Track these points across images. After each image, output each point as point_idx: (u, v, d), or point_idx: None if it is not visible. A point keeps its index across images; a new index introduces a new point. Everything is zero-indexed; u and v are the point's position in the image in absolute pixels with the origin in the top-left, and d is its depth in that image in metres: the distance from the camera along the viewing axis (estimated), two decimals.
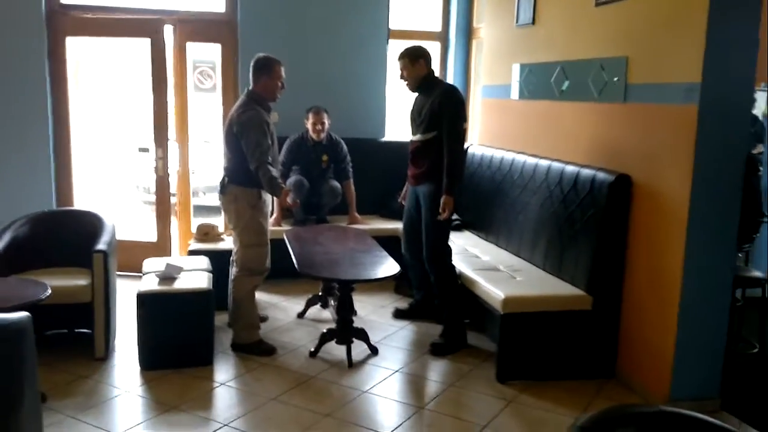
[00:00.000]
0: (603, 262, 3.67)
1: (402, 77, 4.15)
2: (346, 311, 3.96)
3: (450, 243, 4.19)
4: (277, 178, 3.78)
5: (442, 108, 3.96)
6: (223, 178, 4.01)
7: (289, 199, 3.79)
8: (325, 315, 4.65)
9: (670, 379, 3.35)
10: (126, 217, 6.11)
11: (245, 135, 3.78)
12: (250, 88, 3.97)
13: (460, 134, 4.01)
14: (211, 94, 6.70)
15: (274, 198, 4.08)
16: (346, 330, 3.96)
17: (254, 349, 3.99)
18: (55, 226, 4.23)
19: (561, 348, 3.73)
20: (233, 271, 4.06)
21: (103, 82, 5.72)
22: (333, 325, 4.05)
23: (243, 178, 3.86)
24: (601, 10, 3.94)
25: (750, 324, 4.22)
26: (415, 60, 4.06)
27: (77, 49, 5.65)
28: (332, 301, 4.35)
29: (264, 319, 4.49)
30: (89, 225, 4.17)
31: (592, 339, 3.73)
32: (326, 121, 5.39)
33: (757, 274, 4.01)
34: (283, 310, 4.80)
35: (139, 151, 5.72)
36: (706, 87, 3.17)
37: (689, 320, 3.31)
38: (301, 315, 4.68)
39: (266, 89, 3.95)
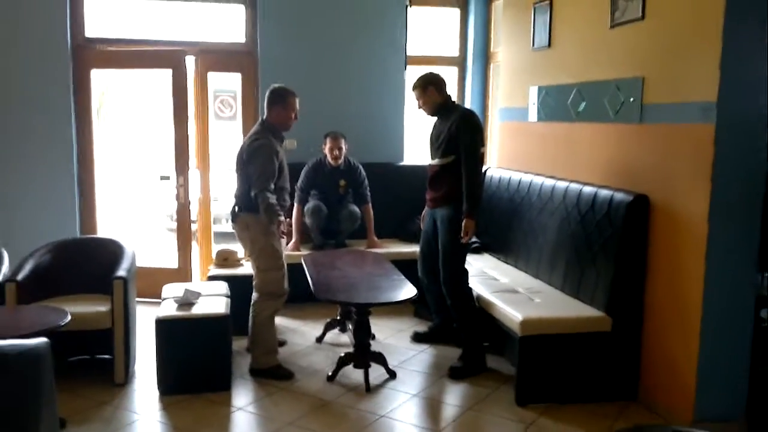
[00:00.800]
0: (622, 283, 3.62)
1: (419, 107, 4.24)
2: (363, 335, 3.94)
3: (467, 265, 4.17)
4: (275, 206, 3.80)
5: (459, 132, 3.99)
6: (234, 207, 4.05)
7: (283, 228, 3.85)
8: (343, 339, 4.64)
9: (693, 401, 3.28)
10: (149, 244, 6.18)
11: (252, 162, 3.85)
12: (264, 117, 4.06)
13: (478, 158, 4.02)
14: (231, 122, 6.80)
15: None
16: (363, 354, 3.94)
17: (273, 373, 3.99)
18: (77, 253, 4.29)
19: (581, 370, 3.67)
20: (254, 296, 4.08)
21: (126, 112, 5.83)
22: (351, 349, 4.03)
23: (253, 205, 3.88)
24: (615, 32, 3.94)
25: None
26: (425, 88, 4.14)
27: (101, 79, 5.78)
28: (350, 325, 4.34)
29: (282, 343, 4.49)
30: (110, 252, 4.22)
31: (613, 360, 3.67)
32: (344, 146, 5.43)
33: None
34: (301, 335, 4.79)
35: (160, 179, 5.80)
36: (722, 106, 3.14)
37: (711, 341, 3.25)
38: (319, 339, 4.66)
39: (279, 119, 4.01)
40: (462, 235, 3.94)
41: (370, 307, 3.89)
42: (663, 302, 3.52)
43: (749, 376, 3.36)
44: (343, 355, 4.02)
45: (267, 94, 4.06)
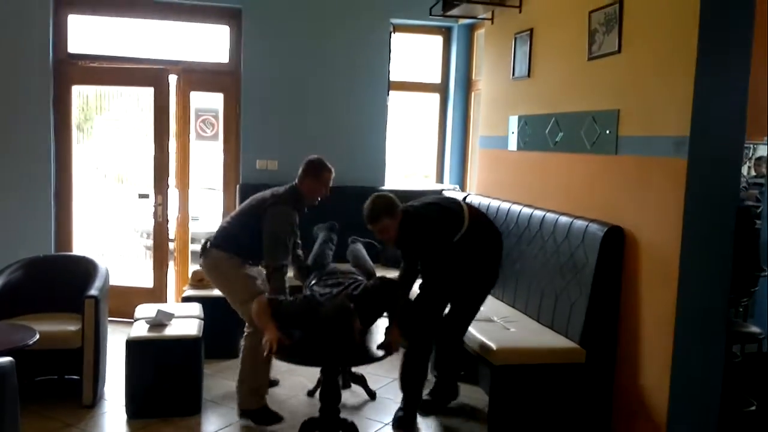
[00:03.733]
0: (596, 315, 3.63)
1: (382, 239, 3.68)
2: (329, 399, 3.36)
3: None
4: (285, 288, 3.61)
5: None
6: (206, 242, 3.83)
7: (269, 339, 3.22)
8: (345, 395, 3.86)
9: None
10: (125, 263, 6.12)
11: (271, 226, 3.64)
12: (295, 183, 3.85)
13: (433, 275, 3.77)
14: (213, 142, 6.79)
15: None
16: (330, 422, 3.38)
17: (258, 417, 3.69)
18: (49, 271, 4.25)
19: (555, 402, 3.65)
20: (246, 328, 3.77)
21: (106, 129, 5.81)
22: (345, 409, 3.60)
23: (234, 246, 3.73)
24: (593, 64, 4.00)
25: (749, 380, 4.13)
26: (377, 220, 3.51)
27: (82, 95, 5.76)
28: (349, 380, 4.12)
29: (274, 383, 4.21)
30: (83, 270, 4.18)
31: (586, 393, 3.66)
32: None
33: (755, 329, 3.95)
34: (300, 375, 4.35)
35: (139, 197, 5.76)
36: (695, 140, 3.18)
37: (683, 375, 3.26)
38: (311, 393, 4.11)
39: (309, 190, 3.82)
40: (383, 344, 3.32)
41: (336, 366, 3.44)
42: (636, 334, 3.53)
43: (720, 411, 3.37)
44: (306, 420, 3.48)
45: (304, 162, 3.87)
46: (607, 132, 3.80)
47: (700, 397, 3.31)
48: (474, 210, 3.88)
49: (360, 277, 3.81)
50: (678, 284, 3.22)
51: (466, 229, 3.65)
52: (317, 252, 4.09)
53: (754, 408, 3.80)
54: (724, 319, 3.34)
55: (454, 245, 3.63)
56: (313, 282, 3.79)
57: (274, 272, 3.59)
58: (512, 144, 5.02)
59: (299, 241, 4.00)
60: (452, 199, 4.03)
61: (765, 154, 5.20)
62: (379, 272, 4.59)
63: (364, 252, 4.25)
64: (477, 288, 3.81)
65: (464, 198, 3.86)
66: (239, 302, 3.73)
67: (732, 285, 3.37)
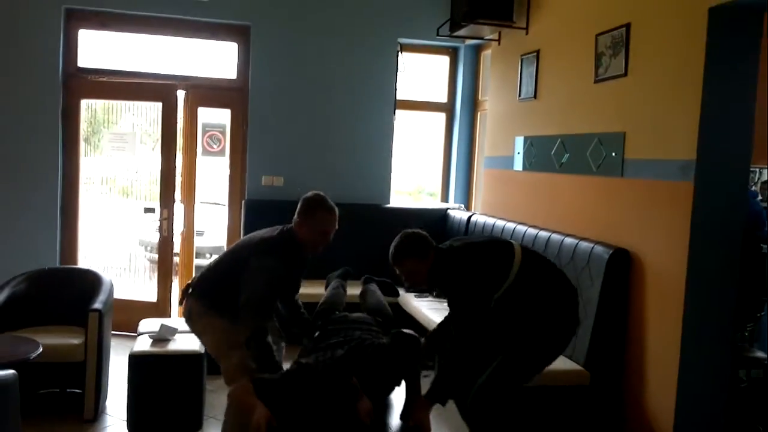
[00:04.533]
0: (601, 337, 3.62)
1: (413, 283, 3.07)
2: None
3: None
4: (274, 361, 2.82)
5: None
6: (188, 285, 3.27)
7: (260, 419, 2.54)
8: None
9: None
10: (129, 276, 6.12)
11: (252, 282, 2.89)
12: (290, 226, 3.10)
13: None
14: (219, 157, 6.82)
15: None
16: None
17: None
18: (53, 283, 4.25)
19: (560, 424, 3.62)
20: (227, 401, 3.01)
21: (113, 142, 5.84)
22: None
23: (210, 299, 3.12)
24: (599, 87, 4.02)
25: (754, 405, 4.09)
26: (401, 262, 2.96)
27: (90, 108, 5.80)
28: None
29: None
30: (87, 283, 4.18)
31: (592, 415, 3.64)
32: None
33: (760, 354, 3.93)
34: None
35: (144, 211, 5.79)
36: (701, 164, 3.20)
37: (689, 398, 3.25)
38: None
39: (306, 235, 3.04)
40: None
41: None
42: (642, 357, 3.51)
43: None
44: None
45: (300, 200, 3.12)
46: (613, 154, 3.81)
47: (705, 422, 3.29)
48: (532, 256, 3.05)
49: (374, 328, 3.13)
50: (684, 307, 3.22)
51: (514, 279, 2.88)
52: (327, 299, 3.53)
53: None
54: (729, 343, 3.33)
55: (497, 301, 2.88)
56: (316, 336, 3.17)
57: (252, 338, 2.79)
58: (518, 164, 5.04)
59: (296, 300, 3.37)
60: (504, 241, 3.16)
61: None
62: (406, 299, 4.04)
63: (379, 295, 3.71)
64: (529, 348, 2.95)
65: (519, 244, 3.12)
66: (224, 355, 3.06)
67: (738, 309, 3.35)
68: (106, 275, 4.30)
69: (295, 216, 3.07)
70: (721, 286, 3.26)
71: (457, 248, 2.98)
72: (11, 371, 2.68)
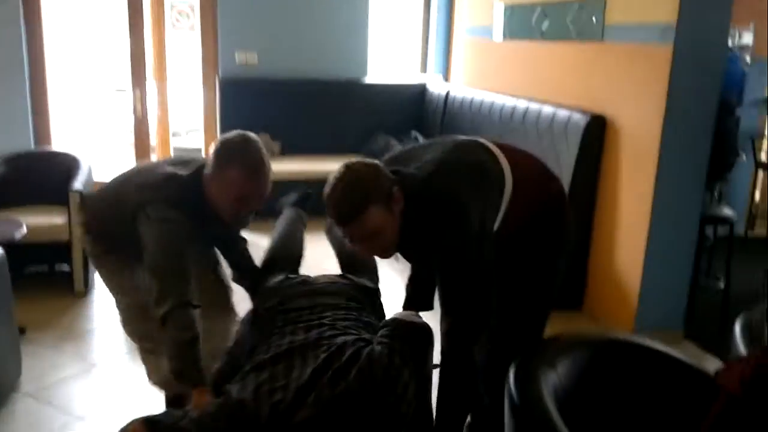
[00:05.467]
0: (574, 200, 3.69)
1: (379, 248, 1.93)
2: None
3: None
4: (197, 360, 1.94)
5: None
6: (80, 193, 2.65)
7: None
8: None
9: (635, 311, 3.46)
10: (107, 159, 6.08)
11: (149, 241, 2.04)
12: (202, 169, 2.16)
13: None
14: (189, 33, 6.59)
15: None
16: None
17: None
18: (32, 166, 4.23)
19: None
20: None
21: (77, 20, 5.59)
22: None
23: (112, 242, 2.31)
24: None
25: (720, 261, 4.30)
26: (360, 215, 1.77)
27: None
28: None
29: None
30: (66, 165, 4.17)
31: None
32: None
33: (727, 212, 4.06)
34: None
35: (116, 92, 5.65)
36: (681, 27, 3.16)
37: (656, 255, 3.40)
38: None
39: (212, 193, 2.12)
40: None
41: None
42: (612, 218, 3.64)
43: (690, 290, 3.54)
44: None
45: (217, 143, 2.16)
46: (593, 19, 3.74)
47: (671, 278, 3.47)
48: (512, 153, 2.04)
49: (354, 314, 1.96)
50: (656, 170, 3.30)
51: (512, 192, 1.93)
52: (277, 243, 2.51)
53: (722, 287, 4.00)
54: (698, 203, 3.46)
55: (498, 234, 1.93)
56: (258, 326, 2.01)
57: (165, 322, 1.96)
58: (498, 34, 4.93)
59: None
60: (474, 143, 2.05)
61: (750, 42, 5.13)
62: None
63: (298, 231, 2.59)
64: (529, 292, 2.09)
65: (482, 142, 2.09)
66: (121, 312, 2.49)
67: (709, 171, 3.45)
68: (84, 157, 4.27)
69: (209, 162, 2.13)
70: (694, 149, 3.33)
71: (429, 175, 1.87)
72: None
